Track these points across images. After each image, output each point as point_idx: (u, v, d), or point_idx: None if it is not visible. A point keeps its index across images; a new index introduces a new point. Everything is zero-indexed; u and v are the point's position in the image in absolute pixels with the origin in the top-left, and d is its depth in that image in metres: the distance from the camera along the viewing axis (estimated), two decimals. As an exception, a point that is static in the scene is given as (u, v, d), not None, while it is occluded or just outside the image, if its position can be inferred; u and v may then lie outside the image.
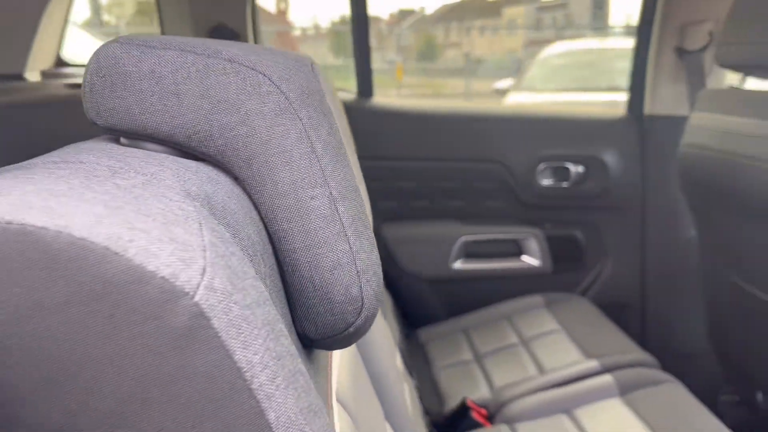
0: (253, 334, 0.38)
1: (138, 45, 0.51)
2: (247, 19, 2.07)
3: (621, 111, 2.24)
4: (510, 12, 18.84)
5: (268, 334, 0.39)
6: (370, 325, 0.57)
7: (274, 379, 0.38)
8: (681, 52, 2.07)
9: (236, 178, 0.53)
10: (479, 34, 16.84)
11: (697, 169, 1.83)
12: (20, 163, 0.43)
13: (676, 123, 1.98)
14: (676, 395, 1.54)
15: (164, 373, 0.35)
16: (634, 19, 2.22)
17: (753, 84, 1.77)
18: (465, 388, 1.76)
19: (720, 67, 1.80)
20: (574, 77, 7.05)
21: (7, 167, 0.42)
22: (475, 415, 1.58)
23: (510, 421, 1.53)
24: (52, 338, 0.33)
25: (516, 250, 2.22)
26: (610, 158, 2.16)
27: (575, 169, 2.17)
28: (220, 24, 2.01)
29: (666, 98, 2.12)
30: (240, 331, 0.37)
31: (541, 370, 1.74)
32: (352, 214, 0.54)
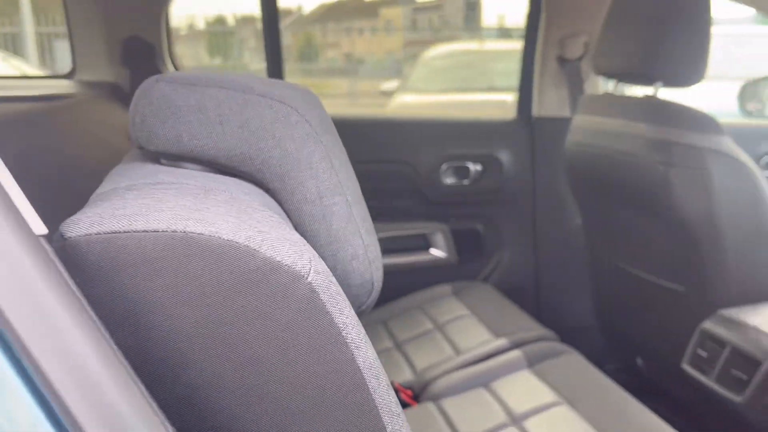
0: (344, 304, 0.52)
1: (184, 84, 0.61)
2: (162, 31, 2.11)
3: (512, 113, 2.48)
4: (387, 13, 19.21)
5: (348, 304, 0.53)
6: (373, 304, 0.70)
7: (359, 335, 0.52)
8: (562, 60, 2.34)
9: (267, 190, 0.64)
10: (358, 34, 17.06)
11: (581, 165, 2.08)
12: (119, 185, 0.53)
13: (561, 124, 2.24)
14: (576, 363, 1.77)
15: (292, 332, 0.48)
16: (506, 21, 2.49)
17: (624, 89, 2.05)
18: (390, 372, 1.91)
19: (596, 74, 2.06)
20: (456, 78, 7.42)
21: (111, 189, 0.52)
22: (402, 396, 1.74)
23: (435, 399, 1.69)
24: (217, 319, 0.45)
25: (425, 244, 2.40)
26: (505, 157, 2.40)
27: (474, 167, 2.38)
28: (135, 36, 2.03)
29: (551, 102, 2.38)
30: (336, 301, 0.51)
31: (457, 351, 1.92)
32: (362, 215, 0.68)
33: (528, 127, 2.42)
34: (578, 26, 2.28)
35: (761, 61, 4.82)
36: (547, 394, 1.61)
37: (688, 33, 1.71)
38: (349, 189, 0.66)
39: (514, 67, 2.42)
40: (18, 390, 0.38)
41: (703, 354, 1.75)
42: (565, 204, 2.39)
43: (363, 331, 0.55)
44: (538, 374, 1.72)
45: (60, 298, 0.38)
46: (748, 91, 3.17)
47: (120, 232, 0.44)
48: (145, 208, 0.46)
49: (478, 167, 2.39)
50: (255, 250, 0.46)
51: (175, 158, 0.63)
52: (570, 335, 2.20)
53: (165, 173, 0.58)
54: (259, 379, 0.47)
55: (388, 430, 0.54)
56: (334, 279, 0.52)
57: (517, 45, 2.47)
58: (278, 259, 0.47)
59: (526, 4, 2.34)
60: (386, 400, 0.55)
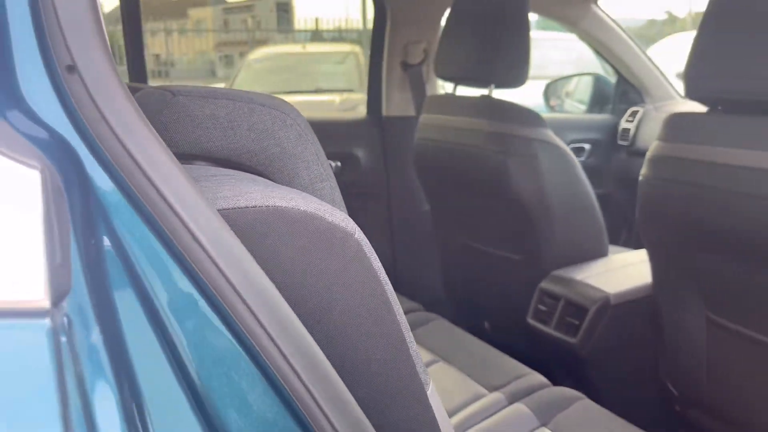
0: (375, 255, 0.69)
1: (198, 97, 0.75)
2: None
3: (364, 113, 2.73)
4: (196, 14, 18.66)
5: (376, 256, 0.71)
6: None
7: (392, 290, 0.70)
8: (405, 65, 2.62)
9: (269, 179, 0.80)
10: (166, 35, 16.42)
11: (428, 158, 2.37)
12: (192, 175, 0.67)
13: (408, 122, 2.52)
14: (443, 327, 2.06)
15: (348, 278, 0.64)
16: (320, 24, 2.75)
17: (462, 91, 2.36)
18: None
19: (437, 77, 2.36)
20: (280, 81, 7.56)
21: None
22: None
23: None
24: (306, 270, 0.61)
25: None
26: (360, 153, 2.63)
27: (334, 164, 2.59)
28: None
29: (397, 102, 2.65)
30: (375, 256, 0.68)
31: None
32: (339, 197, 0.86)
33: (378, 125, 2.67)
34: (419, 34, 2.57)
35: (557, 63, 5.56)
36: (425, 355, 1.87)
37: (514, 41, 2.06)
38: (330, 176, 0.84)
39: (335, 69, 2.64)
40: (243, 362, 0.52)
41: (543, 308, 2.12)
42: (415, 193, 2.67)
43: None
44: (418, 341, 1.97)
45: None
46: (550, 90, 3.71)
47: (229, 209, 0.59)
48: (236, 190, 0.61)
49: (338, 164, 2.60)
50: (322, 218, 0.63)
51: (192, 158, 0.77)
52: (426, 308, 2.49)
53: (201, 170, 0.72)
54: (328, 318, 0.64)
55: (418, 372, 0.73)
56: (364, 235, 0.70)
57: (333, 47, 2.68)
58: (336, 223, 0.64)
59: (374, 13, 2.58)
60: (414, 347, 0.73)
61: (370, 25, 2.85)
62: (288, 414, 0.55)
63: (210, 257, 0.51)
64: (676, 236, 2.27)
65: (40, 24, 0.50)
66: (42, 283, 0.46)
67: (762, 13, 1.21)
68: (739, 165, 1.35)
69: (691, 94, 1.54)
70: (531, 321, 2.15)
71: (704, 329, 1.74)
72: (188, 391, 0.51)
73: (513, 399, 1.64)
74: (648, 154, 2.25)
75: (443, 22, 2.25)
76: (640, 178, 2.49)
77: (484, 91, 2.18)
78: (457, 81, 2.28)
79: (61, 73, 0.50)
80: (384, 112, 2.68)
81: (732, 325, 1.61)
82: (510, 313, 2.31)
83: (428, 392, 0.74)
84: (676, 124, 1.63)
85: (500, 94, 2.24)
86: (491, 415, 1.59)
